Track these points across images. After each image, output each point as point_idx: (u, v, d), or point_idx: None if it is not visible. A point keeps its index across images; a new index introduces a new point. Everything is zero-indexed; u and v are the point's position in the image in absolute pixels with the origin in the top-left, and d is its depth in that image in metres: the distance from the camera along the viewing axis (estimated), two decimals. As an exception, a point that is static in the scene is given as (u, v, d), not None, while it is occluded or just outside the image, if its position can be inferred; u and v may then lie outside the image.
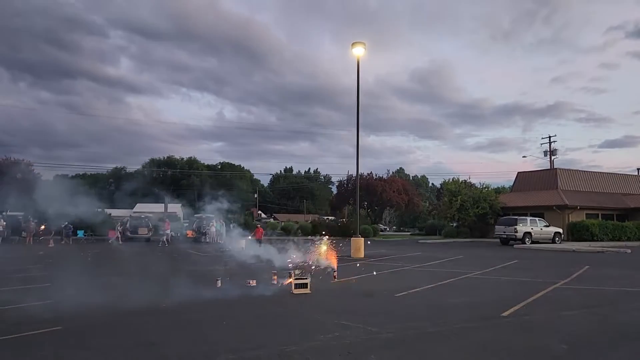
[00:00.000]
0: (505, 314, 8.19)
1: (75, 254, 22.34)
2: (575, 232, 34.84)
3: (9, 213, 31.41)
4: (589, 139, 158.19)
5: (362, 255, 20.97)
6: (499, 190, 61.08)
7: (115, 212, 40.45)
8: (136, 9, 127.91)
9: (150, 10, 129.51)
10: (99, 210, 38.31)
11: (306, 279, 10.62)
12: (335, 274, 12.67)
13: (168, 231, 31.00)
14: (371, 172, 57.76)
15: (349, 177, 55.89)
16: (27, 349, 6.04)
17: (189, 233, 33.61)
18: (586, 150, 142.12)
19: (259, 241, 24.16)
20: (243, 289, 10.71)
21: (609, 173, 48.09)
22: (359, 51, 22.33)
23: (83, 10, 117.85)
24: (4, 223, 29.32)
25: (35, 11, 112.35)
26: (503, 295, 10.34)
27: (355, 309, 8.75)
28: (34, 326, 7.09)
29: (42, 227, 29.92)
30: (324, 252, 14.31)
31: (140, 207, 58.95)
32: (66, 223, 30.23)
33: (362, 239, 22.05)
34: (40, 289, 10.86)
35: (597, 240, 33.49)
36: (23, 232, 30.02)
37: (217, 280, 11.24)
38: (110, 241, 30.71)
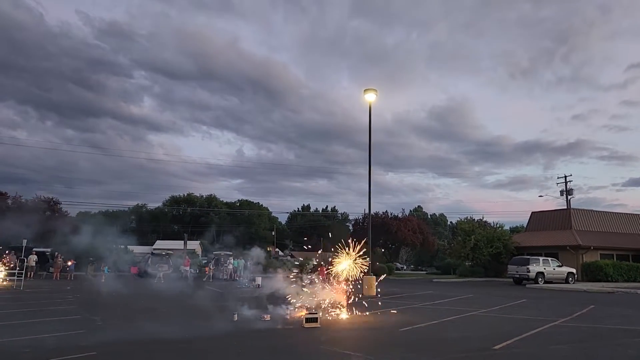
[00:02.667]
0: (497, 347, 8.90)
1: (100, 289, 23.31)
2: (589, 273, 34.89)
3: (34, 249, 32.80)
4: (612, 177, 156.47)
5: (374, 293, 21.58)
6: (517, 230, 61.25)
7: (136, 249, 41.78)
8: (160, 50, 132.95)
9: (173, 51, 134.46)
10: (121, 246, 39.81)
11: (316, 313, 11.46)
12: (346, 309, 13.45)
13: (188, 268, 31.96)
14: (386, 211, 58.54)
15: (365, 216, 56.64)
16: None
17: (207, 269, 34.55)
18: (610, 189, 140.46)
19: (324, 281, 24.50)
20: (258, 322, 11.56)
21: (625, 213, 48.12)
22: (370, 97, 23.59)
23: (109, 52, 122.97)
24: (36, 258, 30.59)
25: (64, 53, 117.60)
26: (500, 331, 11.01)
27: (359, 341, 9.56)
28: (73, 352, 8.05)
29: (70, 262, 31.16)
30: (336, 290, 15.12)
31: (160, 244, 60.34)
32: (91, 259, 31.47)
33: (374, 277, 22.71)
34: (73, 320, 11.89)
35: (612, 281, 33.49)
36: (50, 268, 31.28)
37: (234, 314, 12.13)
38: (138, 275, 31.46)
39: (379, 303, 17.37)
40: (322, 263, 30.58)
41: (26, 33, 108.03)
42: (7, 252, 27.79)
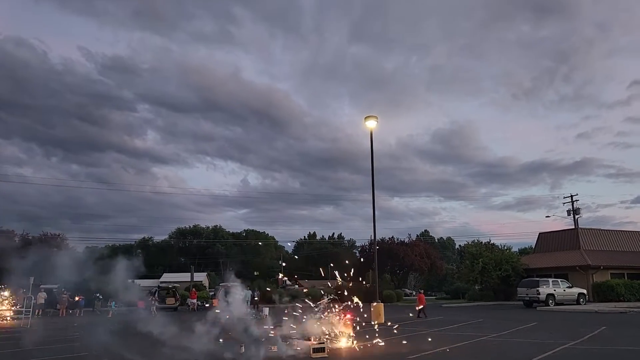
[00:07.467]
0: (506, 372, 8.82)
1: (107, 325, 23.18)
2: (600, 293, 34.45)
3: (42, 286, 32.75)
4: (620, 195, 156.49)
5: (382, 320, 21.38)
6: (525, 251, 60.75)
7: (143, 283, 41.58)
8: (162, 84, 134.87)
9: (176, 83, 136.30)
10: (128, 281, 39.66)
11: (324, 343, 11.39)
12: (354, 338, 13.34)
13: (194, 300, 31.79)
14: (392, 237, 58.36)
15: (371, 243, 56.44)
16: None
17: (215, 302, 34.30)
18: (618, 207, 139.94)
19: (423, 309, 24.81)
20: (265, 354, 11.47)
21: (636, 231, 47.65)
22: (371, 124, 23.82)
23: (113, 86, 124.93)
24: (45, 296, 30.56)
25: (68, 90, 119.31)
26: (510, 356, 10.91)
27: (368, 370, 9.48)
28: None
29: (77, 298, 31.09)
30: (344, 317, 15.02)
31: (167, 277, 60.13)
32: (98, 295, 31.41)
33: (382, 304, 22.57)
34: (80, 358, 11.88)
35: (624, 301, 33.03)
36: (57, 305, 31.20)
37: (241, 346, 12.05)
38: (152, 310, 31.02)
39: (389, 330, 17.21)
40: (422, 290, 30.35)
41: (30, 71, 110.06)
42: (21, 290, 27.77)
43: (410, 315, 24.81)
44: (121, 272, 18.97)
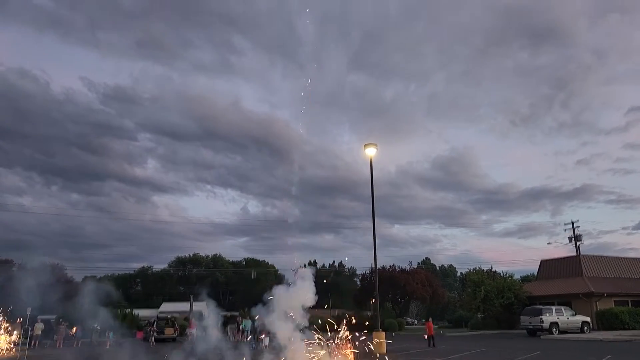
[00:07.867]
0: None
1: (104, 357, 22.84)
2: (604, 321, 34.00)
3: (39, 316, 32.34)
4: (621, 221, 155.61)
5: (384, 350, 21.05)
6: (527, 279, 60.22)
7: (142, 312, 41.19)
8: (163, 113, 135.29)
9: (177, 112, 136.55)
10: (127, 311, 39.29)
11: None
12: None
13: (193, 330, 31.33)
14: (393, 265, 58.00)
15: (372, 271, 56.02)
16: None
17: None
18: (620, 233, 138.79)
19: (432, 337, 24.77)
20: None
21: (637, 258, 47.32)
22: (371, 152, 23.92)
23: (115, 116, 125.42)
24: (42, 326, 30.19)
25: (69, 119, 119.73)
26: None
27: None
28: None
29: (74, 329, 30.67)
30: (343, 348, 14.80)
31: (166, 307, 59.47)
32: (95, 325, 31.00)
33: (384, 333, 22.25)
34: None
35: (629, 329, 32.56)
36: (55, 336, 30.76)
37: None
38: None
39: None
40: (430, 318, 30.00)
41: (32, 101, 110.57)
42: (16, 320, 27.39)
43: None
44: (89, 296, 18.56)
